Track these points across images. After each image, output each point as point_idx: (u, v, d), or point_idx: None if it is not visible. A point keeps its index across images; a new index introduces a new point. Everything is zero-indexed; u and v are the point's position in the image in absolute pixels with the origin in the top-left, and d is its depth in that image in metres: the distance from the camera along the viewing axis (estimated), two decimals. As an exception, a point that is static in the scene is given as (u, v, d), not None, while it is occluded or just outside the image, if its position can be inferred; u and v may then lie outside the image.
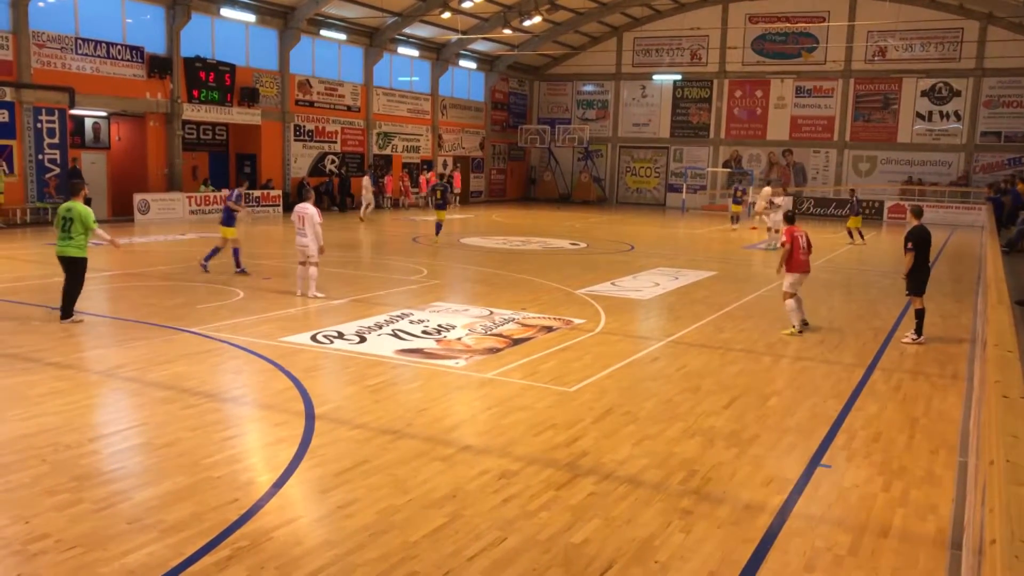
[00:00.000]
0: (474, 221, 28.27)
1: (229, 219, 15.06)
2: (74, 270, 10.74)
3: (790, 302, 11.47)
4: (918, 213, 11.39)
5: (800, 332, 11.48)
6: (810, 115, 40.35)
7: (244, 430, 7.06)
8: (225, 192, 14.80)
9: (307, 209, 12.91)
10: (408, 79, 38.17)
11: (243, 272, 14.90)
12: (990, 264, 10.09)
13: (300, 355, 9.38)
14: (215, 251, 15.24)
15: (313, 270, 12.97)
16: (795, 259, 11.37)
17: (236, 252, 15.12)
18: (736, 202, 30.39)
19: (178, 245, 20.14)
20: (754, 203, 38.07)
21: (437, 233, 22.27)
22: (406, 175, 37.01)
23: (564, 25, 40.25)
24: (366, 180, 29.63)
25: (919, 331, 11.08)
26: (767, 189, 26.23)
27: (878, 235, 30.28)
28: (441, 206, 22.34)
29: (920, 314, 11.06)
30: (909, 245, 10.97)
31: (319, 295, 12.97)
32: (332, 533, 5.03)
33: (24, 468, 5.84)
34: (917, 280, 11.01)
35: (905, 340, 11.17)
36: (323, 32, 32.14)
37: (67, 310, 10.72)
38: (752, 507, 5.60)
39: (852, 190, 28.62)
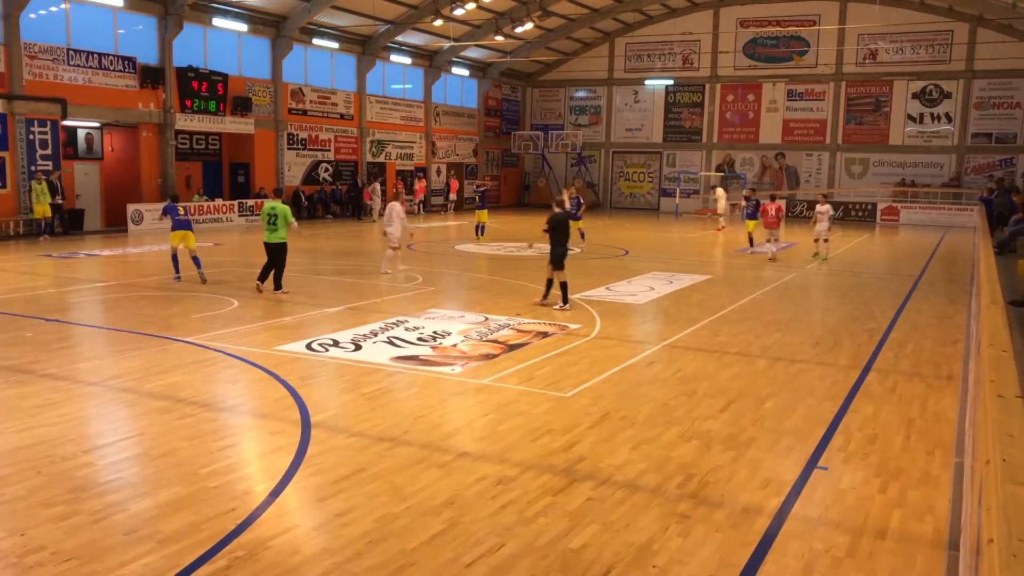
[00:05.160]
0: (468, 227, 28.28)
1: (191, 225, 15.71)
2: (281, 253, 13.99)
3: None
4: (559, 203, 14.03)
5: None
6: (802, 118, 40.49)
7: (240, 439, 7.04)
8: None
9: (395, 206, 16.71)
10: (401, 87, 38.21)
11: (179, 279, 15.30)
12: (983, 265, 10.13)
13: (296, 364, 9.36)
14: (197, 260, 15.32)
15: (389, 252, 16.75)
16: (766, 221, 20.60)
17: (175, 258, 15.57)
18: (750, 217, 23.57)
19: (170, 255, 20.06)
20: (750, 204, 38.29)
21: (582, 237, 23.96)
22: (400, 182, 37.02)
23: (556, 31, 40.36)
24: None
25: (565, 300, 13.10)
26: (721, 191, 28.70)
27: (871, 237, 30.36)
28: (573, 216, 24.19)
29: (564, 286, 13.16)
30: (546, 228, 13.33)
31: (388, 271, 16.71)
32: (330, 541, 5.01)
33: (19, 480, 5.82)
34: (557, 256, 13.16)
35: (556, 308, 12.99)
36: (315, 41, 32.17)
37: (278, 284, 14.03)
38: (750, 510, 5.60)
39: (751, 190, 26.11)
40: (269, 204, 14.03)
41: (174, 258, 15.56)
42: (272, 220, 13.87)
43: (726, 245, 25.56)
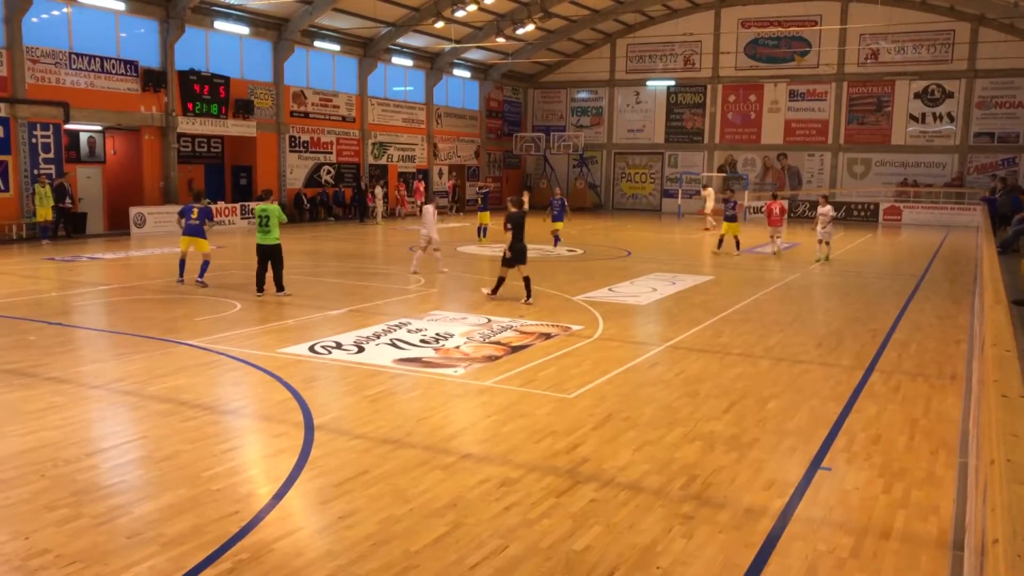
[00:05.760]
0: (471, 229, 28.28)
1: (201, 231, 15.29)
2: (276, 254, 14.03)
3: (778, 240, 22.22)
4: (517, 203, 14.65)
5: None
6: (804, 118, 40.48)
7: (244, 442, 7.04)
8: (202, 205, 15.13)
9: (428, 209, 17.18)
10: (403, 89, 38.24)
11: (181, 283, 15.26)
12: (986, 264, 10.11)
13: (298, 366, 9.36)
14: (205, 264, 15.37)
15: (437, 253, 17.45)
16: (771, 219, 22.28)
17: (182, 262, 15.65)
18: (729, 219, 22.63)
19: (175, 258, 20.07)
20: (749, 207, 38.35)
21: (556, 244, 22.83)
22: (402, 184, 37.07)
23: (557, 33, 40.38)
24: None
25: (529, 294, 13.82)
26: (710, 190, 28.02)
27: (873, 237, 30.33)
28: (557, 217, 22.77)
29: (500, 281, 14.06)
30: (508, 226, 13.87)
31: (444, 270, 17.55)
32: (333, 544, 5.01)
33: (23, 484, 5.82)
34: (516, 253, 13.85)
35: (523, 302, 13.66)
36: (317, 43, 32.21)
37: (279, 285, 14.11)
38: (753, 511, 5.59)
39: (730, 191, 25.75)
40: (260, 206, 14.12)
41: (181, 262, 15.61)
42: (265, 222, 13.97)
43: (729, 245, 25.51)
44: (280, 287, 14.11)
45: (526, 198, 15.17)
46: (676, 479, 6.13)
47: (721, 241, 22.83)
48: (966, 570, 4.35)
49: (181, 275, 15.49)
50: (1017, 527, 2.24)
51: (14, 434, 6.87)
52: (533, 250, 22.58)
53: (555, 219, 22.70)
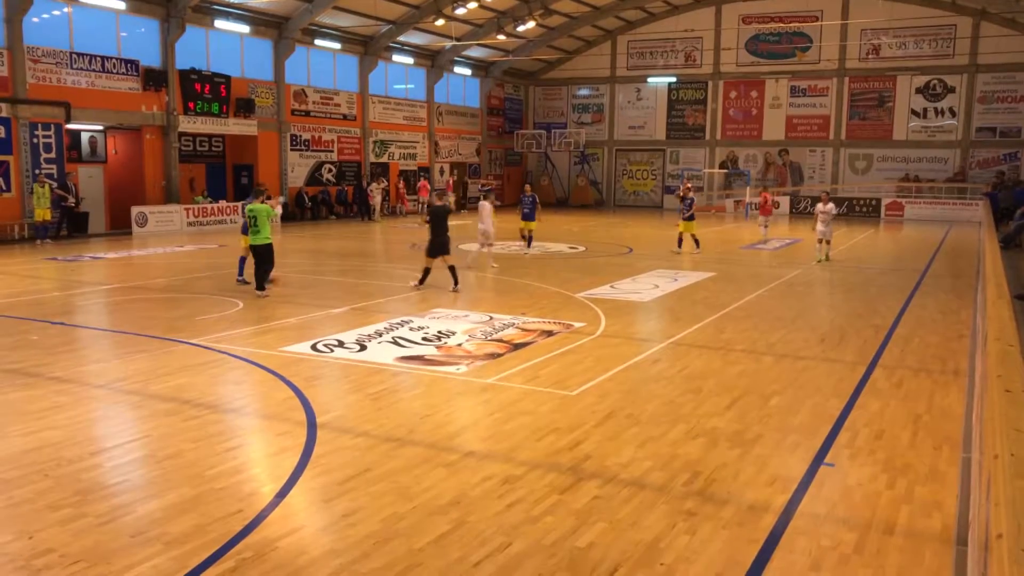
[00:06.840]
0: (472, 226, 28.27)
1: (244, 228, 14.90)
2: (267, 254, 13.85)
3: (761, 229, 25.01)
4: (441, 195, 15.86)
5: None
6: (805, 114, 40.42)
7: (246, 441, 7.04)
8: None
9: (485, 205, 17.64)
10: (403, 87, 38.23)
11: (244, 282, 14.91)
12: (989, 259, 10.10)
13: (301, 364, 9.36)
14: (244, 260, 15.07)
15: (484, 248, 17.79)
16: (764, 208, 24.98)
17: (243, 261, 15.17)
18: (689, 218, 21.64)
19: (177, 257, 20.14)
20: (751, 203, 38.31)
21: (529, 244, 21.41)
22: (403, 182, 37.07)
23: (558, 30, 40.34)
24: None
25: (423, 281, 14.70)
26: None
27: (875, 233, 30.29)
28: (528, 216, 21.01)
29: (427, 272, 14.72)
30: (427, 218, 14.76)
31: (494, 265, 18.00)
32: (337, 542, 5.02)
33: (27, 483, 5.83)
34: (432, 245, 14.55)
35: (411, 284, 14.81)
36: (317, 42, 32.20)
37: (261, 285, 13.90)
38: (757, 507, 5.59)
39: (689, 188, 23.04)
40: (249, 207, 13.93)
41: (242, 260, 15.25)
42: (254, 222, 13.77)
43: (731, 243, 25.53)
44: (260, 286, 13.85)
45: (452, 199, 15.94)
46: (679, 476, 6.12)
47: (680, 240, 21.75)
48: (970, 565, 4.34)
49: (240, 273, 15.13)
50: (1021, 522, 2.24)
51: (17, 434, 6.88)
52: (535, 248, 22.63)
53: (525, 218, 20.91)
